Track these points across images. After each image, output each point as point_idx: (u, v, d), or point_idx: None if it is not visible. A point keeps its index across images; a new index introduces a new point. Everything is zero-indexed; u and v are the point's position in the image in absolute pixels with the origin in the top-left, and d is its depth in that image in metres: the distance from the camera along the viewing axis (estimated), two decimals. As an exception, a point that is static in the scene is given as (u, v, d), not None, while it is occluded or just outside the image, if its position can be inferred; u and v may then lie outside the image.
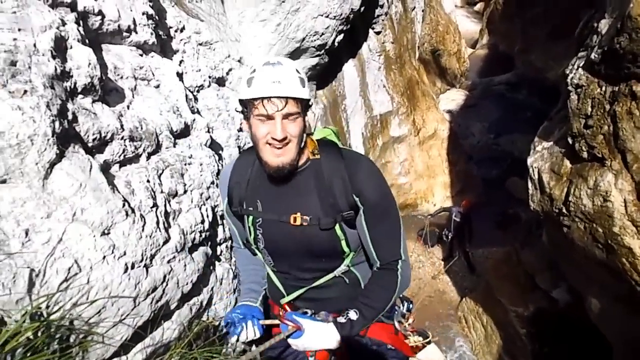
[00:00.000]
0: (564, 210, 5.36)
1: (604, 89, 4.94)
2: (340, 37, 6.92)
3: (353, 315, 2.14)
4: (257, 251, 2.38)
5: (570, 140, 5.38)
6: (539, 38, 18.07)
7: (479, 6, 29.70)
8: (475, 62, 23.15)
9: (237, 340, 2.19)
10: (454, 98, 18.99)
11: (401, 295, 2.55)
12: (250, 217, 2.25)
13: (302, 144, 2.09)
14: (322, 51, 6.67)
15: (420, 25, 15.62)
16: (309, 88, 2.05)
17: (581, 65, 5.38)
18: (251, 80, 1.96)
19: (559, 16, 15.76)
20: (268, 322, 2.31)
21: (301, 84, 2.00)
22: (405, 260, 2.22)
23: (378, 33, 11.14)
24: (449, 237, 11.39)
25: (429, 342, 2.64)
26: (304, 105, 2.03)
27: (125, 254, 1.83)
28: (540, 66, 17.47)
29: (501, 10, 22.67)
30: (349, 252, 2.26)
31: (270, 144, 1.99)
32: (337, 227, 2.16)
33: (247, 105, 2.01)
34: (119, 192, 1.89)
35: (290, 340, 2.12)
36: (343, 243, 2.21)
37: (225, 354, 2.33)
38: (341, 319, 2.14)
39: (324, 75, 7.73)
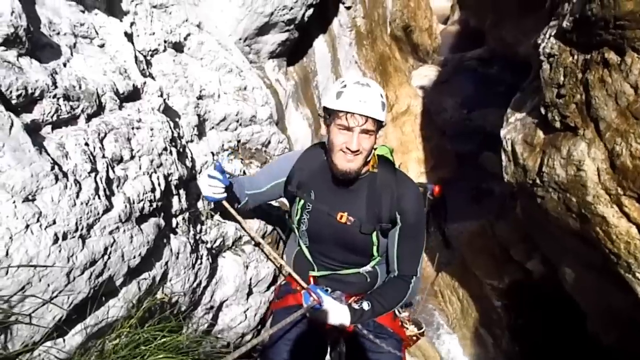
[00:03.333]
0: (537, 181, 5.33)
1: (576, 57, 4.88)
2: (310, 11, 6.76)
3: (366, 306, 2.55)
4: (296, 230, 2.79)
5: (543, 111, 5.33)
6: (509, 13, 18.10)
7: (450, -18, 29.62)
8: (446, 38, 23.15)
9: (205, 175, 2.64)
10: (427, 74, 18.90)
11: None
12: (302, 201, 2.67)
13: (369, 157, 2.49)
14: (292, 26, 6.50)
15: (391, 0, 15.43)
16: (386, 112, 2.41)
17: (553, 34, 5.31)
18: (340, 94, 2.30)
19: (528, -10, 15.74)
20: (228, 205, 2.78)
21: (382, 107, 2.35)
22: (418, 278, 2.68)
23: (348, 8, 10.94)
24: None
25: (422, 334, 3.04)
26: (379, 125, 2.40)
27: (54, 222, 1.60)
28: (511, 41, 17.51)
29: (472, -15, 22.61)
30: (377, 256, 2.70)
31: (343, 152, 2.37)
32: (374, 234, 2.57)
33: (330, 114, 2.38)
34: (47, 154, 1.66)
35: (307, 310, 2.51)
36: (374, 248, 2.63)
37: (185, 334, 2.21)
38: (355, 306, 2.57)
39: (294, 51, 7.57)
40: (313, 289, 2.55)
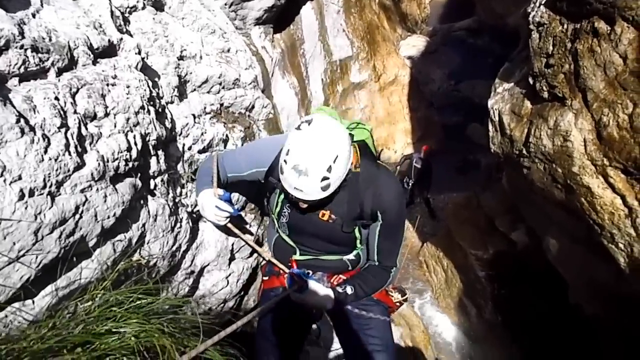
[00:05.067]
0: (524, 152, 5.31)
1: (565, 26, 4.82)
2: (298, -24, 6.65)
3: (349, 290, 2.58)
4: (275, 221, 2.72)
5: (531, 81, 5.29)
6: (499, -17, 17.92)
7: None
8: (435, 8, 22.90)
9: (217, 206, 2.47)
10: (415, 44, 18.76)
11: None
12: (282, 195, 2.56)
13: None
14: (279, -9, 6.40)
15: (380, -32, 15.26)
16: (335, 185, 2.19)
17: (543, 2, 5.23)
18: (282, 169, 2.14)
19: (519, -40, 15.57)
20: (233, 226, 2.62)
21: (324, 189, 2.16)
22: (397, 268, 2.72)
23: (337, -26, 10.78)
24: (410, 184, 11.37)
25: (406, 299, 3.15)
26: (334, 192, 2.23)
27: (20, 178, 1.52)
28: (501, 12, 17.35)
29: (462, -45, 22.34)
30: (359, 247, 2.70)
31: None
32: (356, 229, 2.56)
33: None
34: (13, 106, 1.57)
35: (291, 294, 2.51)
36: (357, 241, 2.64)
37: (162, 297, 2.16)
38: (339, 289, 2.57)
39: (281, 18, 7.46)
40: (297, 273, 2.57)
